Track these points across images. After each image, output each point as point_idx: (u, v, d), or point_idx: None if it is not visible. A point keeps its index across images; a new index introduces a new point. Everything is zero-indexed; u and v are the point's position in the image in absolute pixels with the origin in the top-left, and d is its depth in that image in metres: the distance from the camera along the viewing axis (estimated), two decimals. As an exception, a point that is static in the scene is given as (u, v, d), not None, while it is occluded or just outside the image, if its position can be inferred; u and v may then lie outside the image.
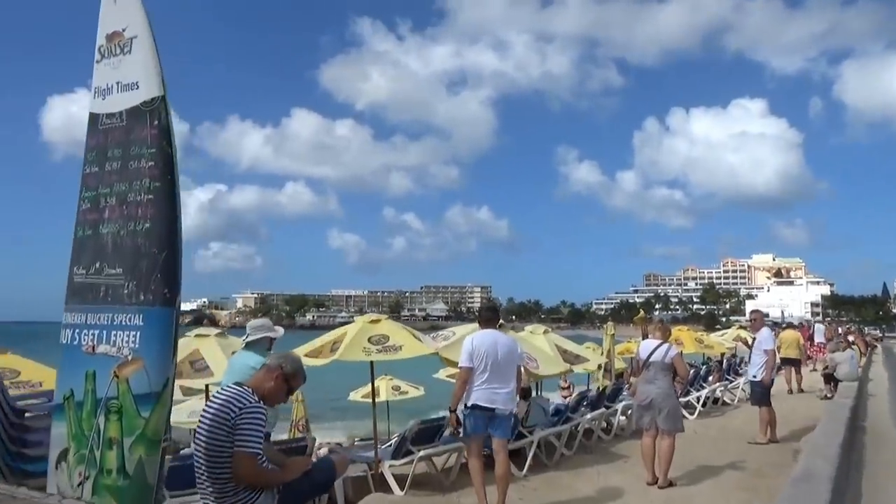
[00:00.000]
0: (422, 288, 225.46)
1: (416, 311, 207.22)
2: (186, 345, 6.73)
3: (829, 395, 14.01)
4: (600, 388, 10.33)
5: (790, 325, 19.31)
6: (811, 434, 7.28)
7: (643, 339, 12.43)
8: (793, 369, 15.15)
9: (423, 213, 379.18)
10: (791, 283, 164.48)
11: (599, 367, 10.34)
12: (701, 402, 12.24)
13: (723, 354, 15.98)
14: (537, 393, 8.39)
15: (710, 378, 13.95)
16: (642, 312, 14.40)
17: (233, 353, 6.70)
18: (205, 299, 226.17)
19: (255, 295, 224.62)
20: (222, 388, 3.40)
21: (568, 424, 8.83)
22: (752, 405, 9.29)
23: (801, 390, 14.86)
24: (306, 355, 7.21)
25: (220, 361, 6.40)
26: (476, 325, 6.50)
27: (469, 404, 5.73)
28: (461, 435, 5.99)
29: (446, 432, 6.95)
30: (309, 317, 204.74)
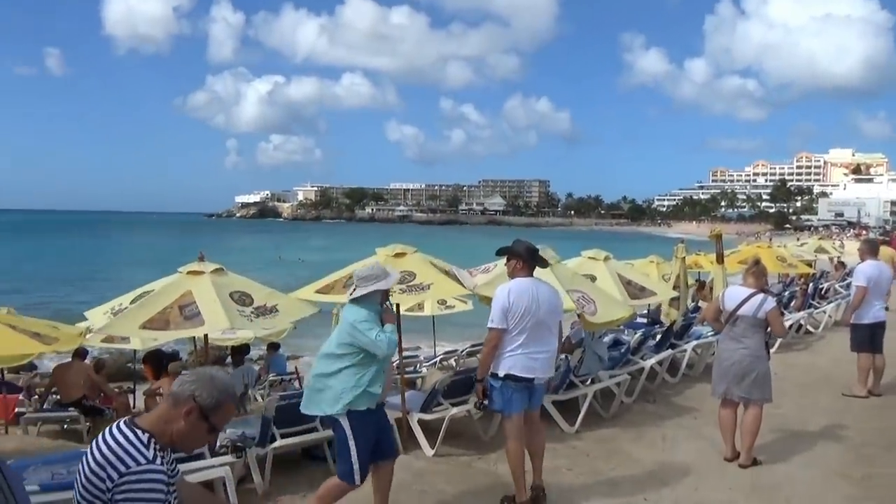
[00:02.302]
0: (480, 182, 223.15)
1: (474, 205, 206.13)
2: (177, 285, 5.69)
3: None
4: (668, 324, 8.99)
5: (885, 241, 17.23)
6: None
7: (717, 257, 10.95)
8: None
9: (482, 105, 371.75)
10: (870, 179, 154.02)
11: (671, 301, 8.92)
12: (782, 333, 10.80)
13: (806, 277, 14.22)
14: (592, 336, 7.16)
15: (793, 304, 12.39)
16: (719, 228, 12.51)
17: (230, 294, 5.70)
18: (267, 192, 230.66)
19: (316, 188, 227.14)
20: (108, 431, 2.26)
21: (627, 369, 7.66)
22: (851, 350, 7.84)
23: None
24: (318, 291, 6.17)
25: (213, 307, 5.35)
26: (502, 261, 5.13)
27: (501, 374, 4.57)
28: (488, 408, 4.88)
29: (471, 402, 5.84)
30: (368, 210, 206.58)
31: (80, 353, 8.89)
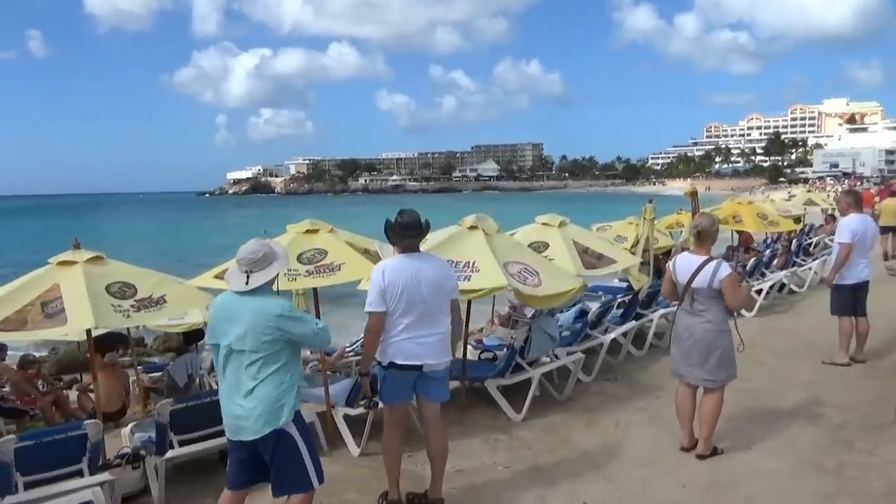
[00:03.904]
0: (472, 148, 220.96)
1: (468, 171, 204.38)
2: (43, 278, 4.93)
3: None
4: (633, 292, 8.21)
5: (893, 192, 16.72)
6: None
7: (692, 217, 10.15)
8: (890, 236, 13.87)
9: (472, 70, 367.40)
10: (865, 129, 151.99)
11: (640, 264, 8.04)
12: (762, 295, 10.09)
13: (791, 233, 13.43)
14: (541, 312, 6.44)
15: (775, 262, 11.64)
16: (694, 186, 11.67)
17: (107, 286, 4.94)
18: (259, 167, 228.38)
19: (307, 161, 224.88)
20: None
21: (586, 345, 6.96)
22: (831, 314, 7.12)
23: (893, 256, 13.64)
24: (216, 276, 5.45)
25: (80, 302, 4.59)
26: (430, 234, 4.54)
27: (385, 363, 4.01)
28: (378, 406, 4.28)
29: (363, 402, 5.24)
30: (361, 181, 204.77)
31: (-6, 351, 8.09)
